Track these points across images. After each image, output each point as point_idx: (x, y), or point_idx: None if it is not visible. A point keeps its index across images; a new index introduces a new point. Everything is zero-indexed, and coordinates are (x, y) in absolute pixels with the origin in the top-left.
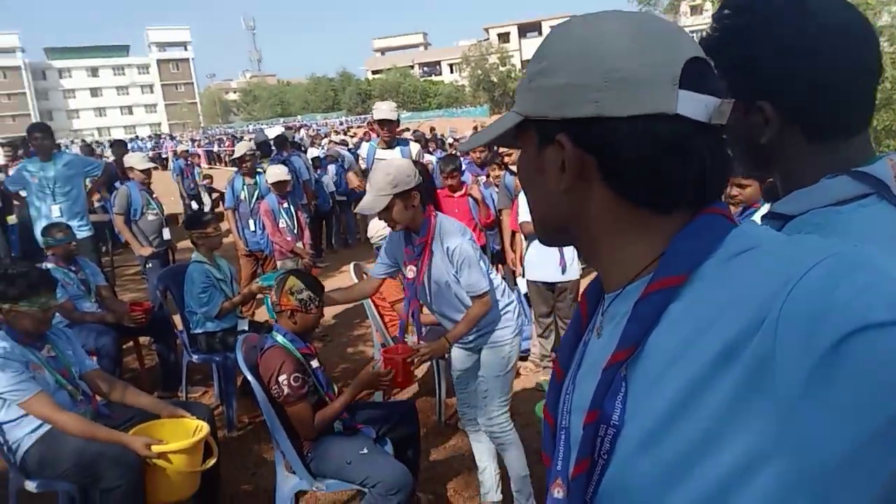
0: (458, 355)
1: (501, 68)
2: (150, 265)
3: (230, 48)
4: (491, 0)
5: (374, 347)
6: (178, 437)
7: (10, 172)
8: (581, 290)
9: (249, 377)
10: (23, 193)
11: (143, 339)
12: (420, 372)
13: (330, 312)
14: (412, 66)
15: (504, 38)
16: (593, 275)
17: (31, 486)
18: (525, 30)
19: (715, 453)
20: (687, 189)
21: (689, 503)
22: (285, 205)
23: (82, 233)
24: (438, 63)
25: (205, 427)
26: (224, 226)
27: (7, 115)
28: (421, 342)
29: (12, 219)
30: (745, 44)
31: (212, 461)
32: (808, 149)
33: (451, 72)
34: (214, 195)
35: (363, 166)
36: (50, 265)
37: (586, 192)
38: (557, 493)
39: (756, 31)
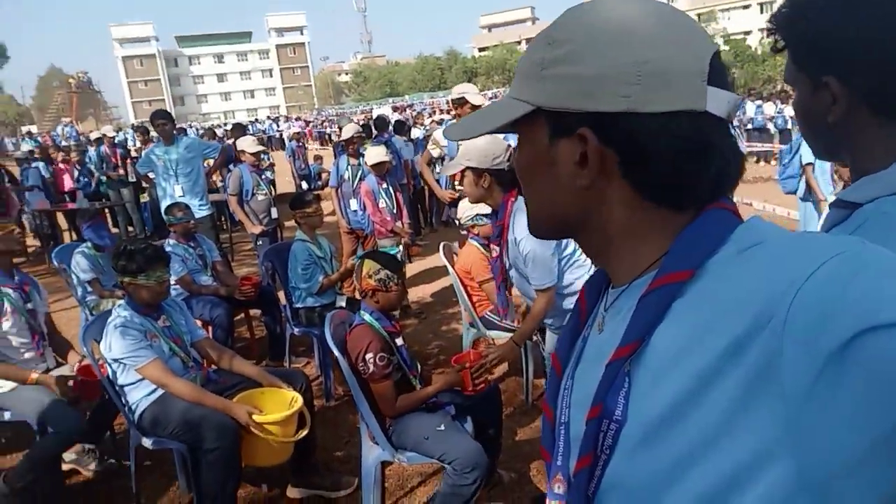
0: (549, 338)
1: None
2: (261, 242)
3: (342, 31)
4: None
5: (464, 327)
6: (275, 407)
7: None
8: None
9: (336, 352)
10: (151, 175)
11: (254, 312)
12: None
13: (428, 290)
14: (519, 42)
15: None
16: None
17: (147, 442)
18: None
19: (718, 451)
20: (706, 187)
21: (691, 501)
22: (384, 185)
23: (202, 211)
24: None
25: (299, 400)
26: (328, 205)
27: (144, 100)
28: (505, 322)
29: (145, 197)
30: (817, 18)
31: (304, 432)
32: (879, 131)
33: None
34: (323, 175)
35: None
36: (172, 241)
37: (603, 188)
38: (558, 488)
39: (831, 5)
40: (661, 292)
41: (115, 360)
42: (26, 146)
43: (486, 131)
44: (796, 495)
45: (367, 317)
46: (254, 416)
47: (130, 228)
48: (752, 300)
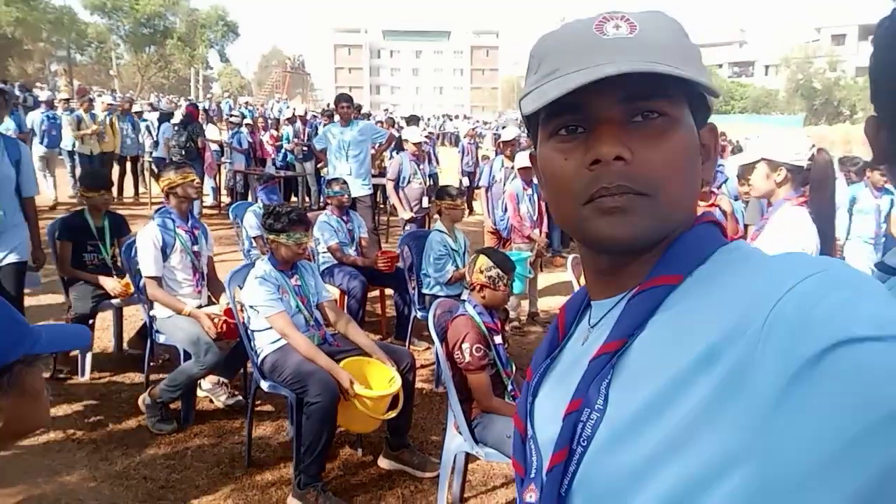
0: None
1: (830, 73)
2: (409, 227)
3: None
4: None
5: None
6: (376, 380)
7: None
8: None
9: (435, 338)
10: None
11: (388, 292)
12: None
13: (556, 303)
14: (720, 66)
15: (838, 39)
16: None
17: (264, 385)
18: (869, 32)
19: (686, 453)
20: None
21: (657, 500)
22: (529, 191)
23: (364, 190)
24: (753, 63)
25: (397, 381)
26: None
27: (346, 85)
28: None
29: (325, 172)
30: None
31: (393, 414)
32: None
33: (766, 73)
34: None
35: None
36: (327, 213)
37: None
38: (529, 497)
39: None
40: (650, 293)
41: (251, 307)
42: (239, 115)
43: None
44: (761, 499)
45: (470, 309)
46: (354, 386)
47: (308, 199)
48: (731, 310)
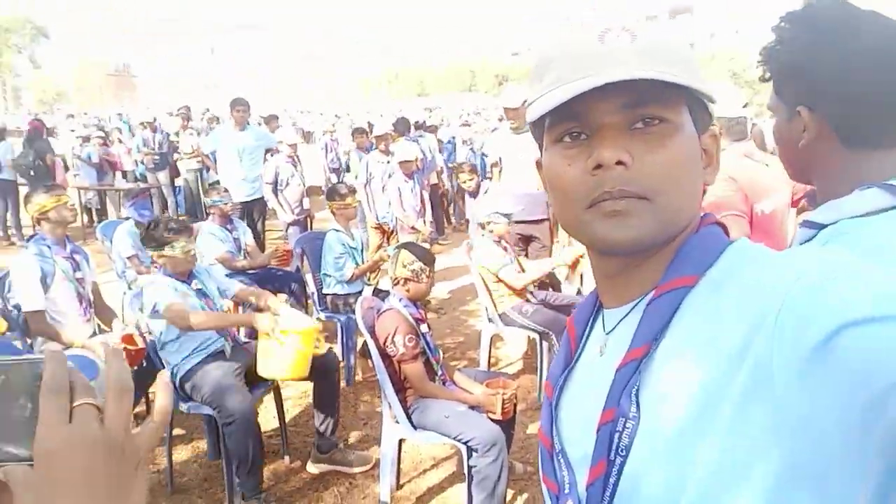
0: None
1: None
2: (291, 231)
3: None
4: None
5: (483, 323)
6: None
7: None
8: None
9: (366, 334)
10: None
11: (282, 297)
12: (522, 349)
13: (447, 288)
14: None
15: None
16: None
17: (183, 407)
18: (676, 12)
19: (721, 452)
20: None
21: (697, 501)
22: (410, 183)
23: (256, 195)
24: None
25: (318, 324)
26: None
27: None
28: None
29: (180, 181)
30: (794, 52)
31: (320, 350)
32: (842, 157)
33: None
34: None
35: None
36: (208, 223)
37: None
38: None
39: (805, 41)
40: (669, 297)
41: (152, 312)
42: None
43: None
44: (791, 488)
45: (396, 303)
46: (277, 328)
47: (165, 212)
48: (749, 306)
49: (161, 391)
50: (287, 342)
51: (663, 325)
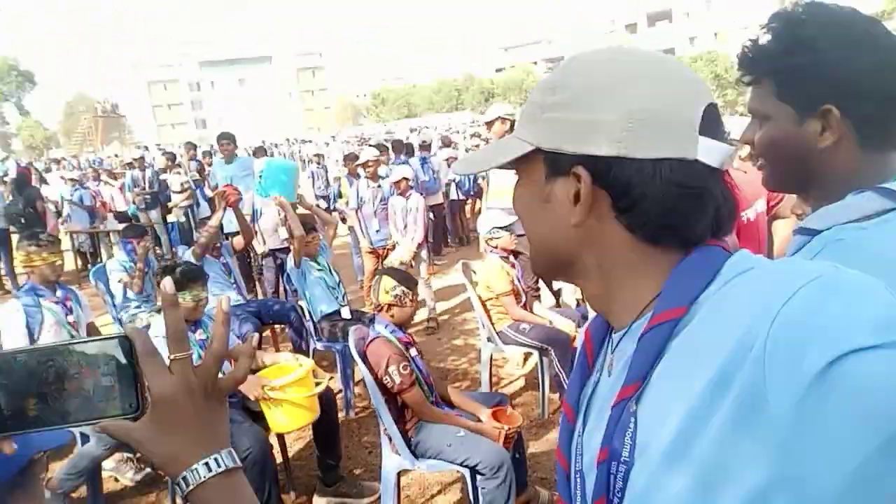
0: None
1: None
2: (266, 261)
3: (361, 56)
4: None
5: (481, 342)
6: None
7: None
8: None
9: (361, 366)
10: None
11: (279, 328)
12: (526, 368)
13: (445, 307)
14: (535, 62)
15: (632, 28)
16: None
17: None
18: (655, 19)
19: (722, 487)
20: (704, 228)
21: None
22: (404, 203)
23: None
24: (562, 58)
25: (305, 361)
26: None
27: (167, 123)
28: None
29: (172, 218)
30: (818, 51)
31: (322, 387)
32: (858, 160)
33: None
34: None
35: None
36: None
37: (597, 227)
38: None
39: (831, 41)
40: (658, 330)
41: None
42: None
43: (491, 167)
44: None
45: (382, 329)
46: (266, 386)
47: (158, 250)
48: (733, 330)
49: (218, 321)
50: (286, 396)
51: (653, 359)
